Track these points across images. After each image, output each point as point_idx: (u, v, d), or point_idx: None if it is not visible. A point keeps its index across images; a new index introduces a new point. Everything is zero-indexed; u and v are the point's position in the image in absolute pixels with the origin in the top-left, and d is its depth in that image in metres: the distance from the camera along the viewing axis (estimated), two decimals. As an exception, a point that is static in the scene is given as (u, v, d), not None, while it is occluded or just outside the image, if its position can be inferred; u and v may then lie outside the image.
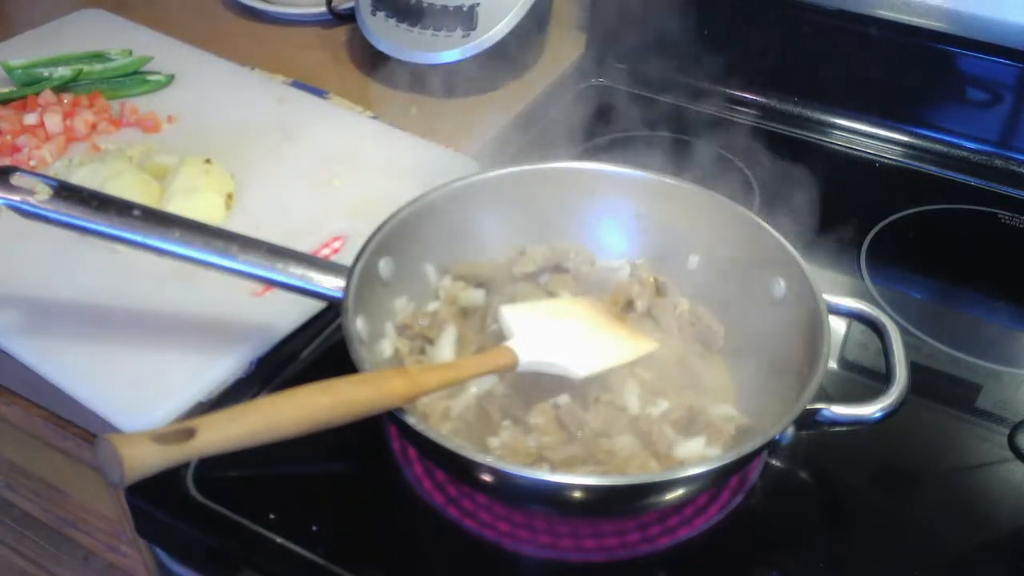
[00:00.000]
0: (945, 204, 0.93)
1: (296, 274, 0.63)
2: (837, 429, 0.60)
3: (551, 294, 0.72)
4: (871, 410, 0.59)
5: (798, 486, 0.65)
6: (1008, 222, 0.91)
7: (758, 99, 1.04)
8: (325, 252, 0.79)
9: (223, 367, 0.68)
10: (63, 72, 0.98)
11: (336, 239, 0.80)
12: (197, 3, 1.22)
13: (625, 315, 0.71)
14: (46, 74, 0.98)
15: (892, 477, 0.67)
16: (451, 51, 0.99)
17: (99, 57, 1.02)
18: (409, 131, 0.95)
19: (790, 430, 0.56)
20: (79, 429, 0.69)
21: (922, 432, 0.69)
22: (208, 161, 0.84)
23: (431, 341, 0.68)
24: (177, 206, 0.78)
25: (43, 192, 0.60)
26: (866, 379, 0.73)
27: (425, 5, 1.00)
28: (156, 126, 0.94)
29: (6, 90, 0.96)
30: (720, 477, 0.60)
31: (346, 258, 0.65)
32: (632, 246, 0.76)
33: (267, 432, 0.50)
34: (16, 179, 0.60)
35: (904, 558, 0.60)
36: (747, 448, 0.55)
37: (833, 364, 0.73)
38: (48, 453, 0.76)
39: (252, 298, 0.73)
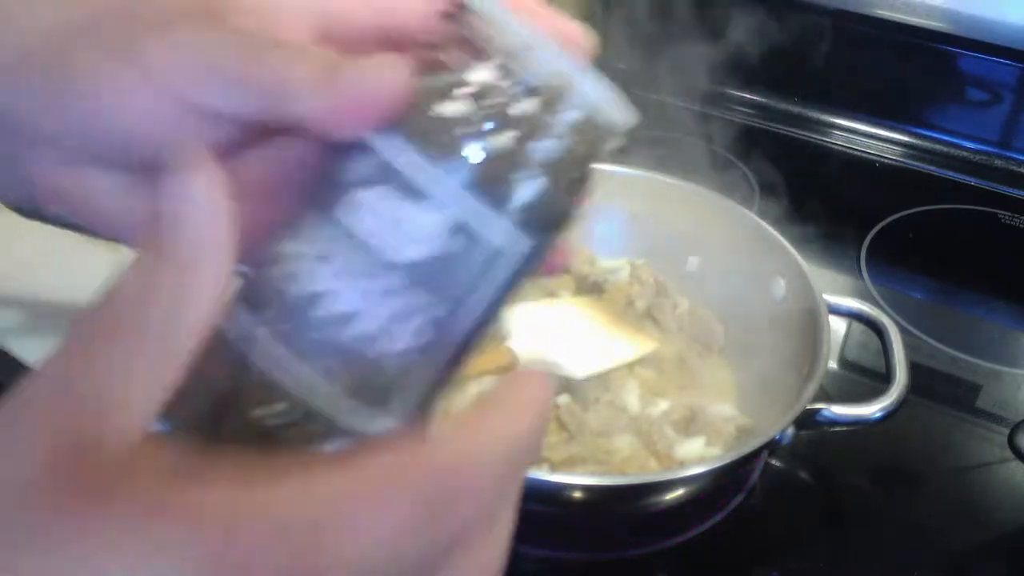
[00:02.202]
0: (945, 204, 0.93)
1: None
2: (837, 429, 0.60)
3: (551, 294, 0.72)
4: (871, 410, 0.59)
5: (798, 486, 0.65)
6: (1008, 222, 0.91)
7: (758, 99, 1.04)
8: (325, 252, 0.79)
9: (223, 367, 0.68)
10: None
11: (336, 239, 0.80)
12: (197, 3, 1.21)
13: (625, 315, 0.71)
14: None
15: (892, 477, 0.67)
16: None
17: (99, 57, 1.02)
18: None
19: (790, 430, 0.56)
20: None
21: (922, 432, 0.69)
22: (208, 161, 0.84)
23: (431, 341, 0.68)
24: (177, 206, 0.78)
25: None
26: (866, 379, 0.73)
27: (425, 5, 0.99)
28: (156, 126, 0.94)
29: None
30: (720, 477, 0.60)
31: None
32: (632, 246, 0.76)
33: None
34: (16, 179, 0.60)
35: (904, 558, 0.60)
36: (747, 448, 0.55)
37: (833, 364, 0.73)
38: (48, 453, 0.76)
39: (252, 298, 0.73)
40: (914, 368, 0.62)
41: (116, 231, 0.27)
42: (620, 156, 0.82)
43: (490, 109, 0.25)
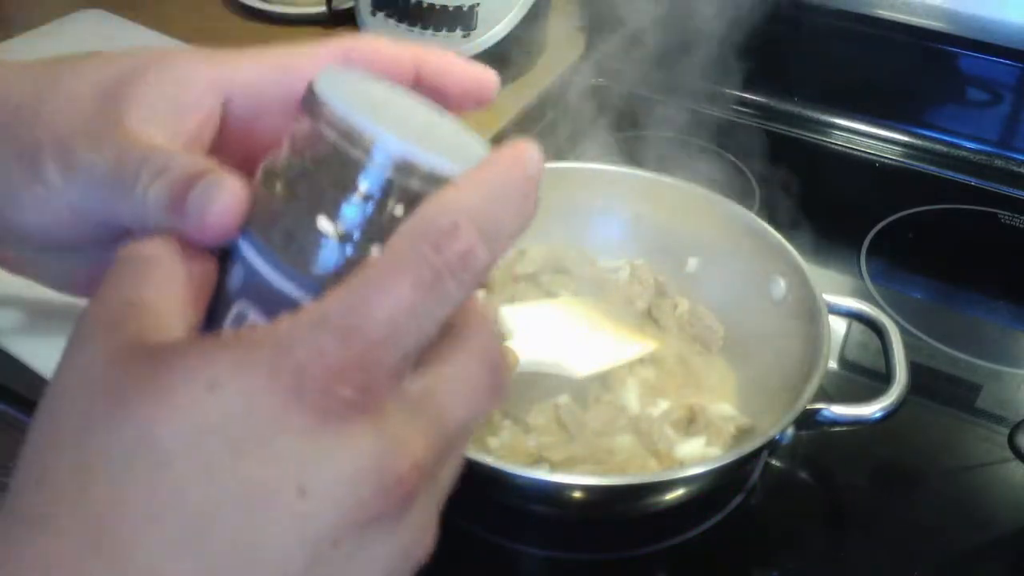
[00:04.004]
0: (945, 204, 0.93)
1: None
2: (837, 429, 0.60)
3: (551, 294, 0.72)
4: (871, 410, 0.59)
5: (798, 486, 0.65)
6: (1008, 222, 0.91)
7: (758, 99, 1.04)
8: (325, 252, 0.79)
9: (223, 367, 0.68)
10: (63, 72, 0.98)
11: (336, 239, 0.80)
12: (197, 3, 1.21)
13: (625, 315, 0.71)
14: (46, 74, 0.98)
15: (892, 477, 0.67)
16: (451, 51, 0.99)
17: (99, 57, 1.02)
18: (409, 131, 0.95)
19: (790, 430, 0.56)
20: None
21: (922, 432, 0.69)
22: (208, 161, 0.84)
23: (431, 341, 0.68)
24: (177, 206, 0.78)
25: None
26: (866, 379, 0.73)
27: (425, 5, 0.99)
28: (156, 126, 0.94)
29: (6, 90, 0.96)
30: (720, 477, 0.60)
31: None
32: (632, 246, 0.76)
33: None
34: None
35: (904, 558, 0.60)
36: (747, 448, 0.55)
37: (833, 364, 0.73)
38: (48, 453, 0.76)
39: (252, 298, 0.73)
40: (914, 368, 0.61)
41: (63, 289, 0.35)
42: (621, 157, 0.82)
43: (319, 198, 0.24)
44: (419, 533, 0.24)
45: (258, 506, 0.20)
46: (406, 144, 0.24)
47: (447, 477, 0.26)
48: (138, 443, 0.21)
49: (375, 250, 0.24)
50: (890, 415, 0.59)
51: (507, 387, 0.26)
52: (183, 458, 0.20)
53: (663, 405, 0.64)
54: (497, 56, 1.01)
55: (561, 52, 1.11)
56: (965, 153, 0.99)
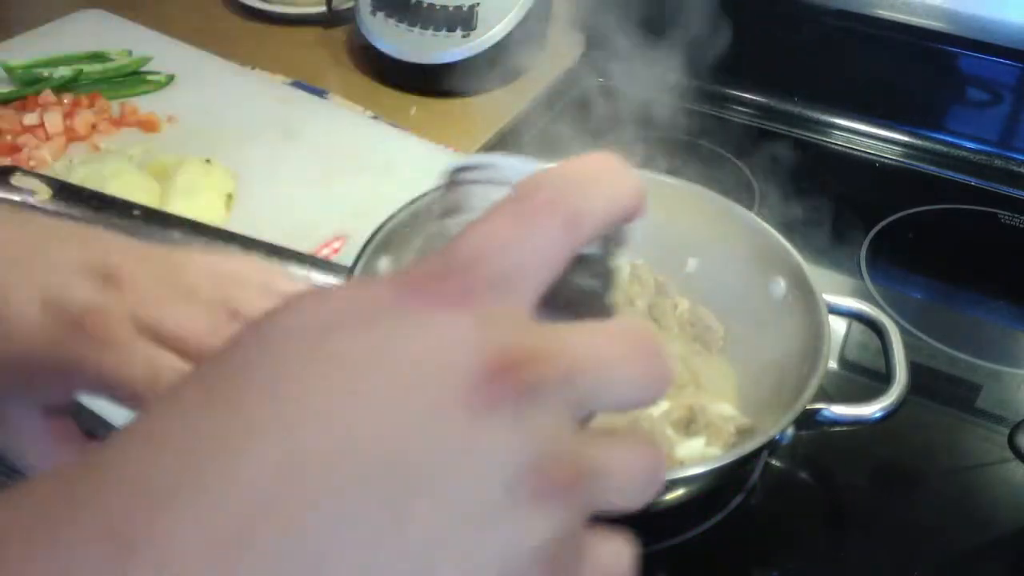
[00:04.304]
0: (945, 204, 0.93)
1: (297, 274, 0.63)
2: (837, 429, 0.60)
3: (551, 294, 0.72)
4: (871, 410, 0.59)
5: (798, 486, 0.65)
6: (1008, 222, 0.91)
7: (758, 99, 1.04)
8: (325, 252, 0.79)
9: (223, 367, 0.68)
10: (63, 72, 0.98)
11: (336, 239, 0.80)
12: (197, 3, 1.21)
13: (625, 315, 0.71)
14: (46, 74, 0.98)
15: (892, 477, 0.67)
16: (451, 51, 0.99)
17: (99, 57, 1.02)
18: (409, 131, 0.95)
19: (790, 430, 0.56)
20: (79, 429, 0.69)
21: (922, 432, 0.69)
22: (208, 161, 0.84)
23: (431, 341, 0.68)
24: (177, 206, 0.78)
25: (43, 192, 0.60)
26: (866, 379, 0.73)
27: (425, 5, 1.00)
28: (156, 126, 0.94)
29: (6, 90, 0.96)
30: (720, 477, 0.60)
31: (346, 258, 0.65)
32: (632, 246, 0.75)
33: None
34: (16, 179, 0.60)
35: (904, 558, 0.60)
36: (747, 448, 0.55)
37: (833, 364, 0.73)
38: (48, 453, 0.76)
39: (252, 298, 0.73)
40: (914, 368, 0.61)
41: None
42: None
43: None
44: (544, 456, 0.22)
45: (358, 378, 0.22)
46: (535, 163, 0.31)
47: (607, 449, 0.25)
48: (253, 347, 0.23)
49: None
50: (890, 415, 0.59)
51: (667, 377, 0.26)
52: (288, 347, 0.22)
53: (663, 405, 0.64)
54: (497, 56, 1.01)
55: (561, 52, 1.11)
56: (965, 153, 0.99)
